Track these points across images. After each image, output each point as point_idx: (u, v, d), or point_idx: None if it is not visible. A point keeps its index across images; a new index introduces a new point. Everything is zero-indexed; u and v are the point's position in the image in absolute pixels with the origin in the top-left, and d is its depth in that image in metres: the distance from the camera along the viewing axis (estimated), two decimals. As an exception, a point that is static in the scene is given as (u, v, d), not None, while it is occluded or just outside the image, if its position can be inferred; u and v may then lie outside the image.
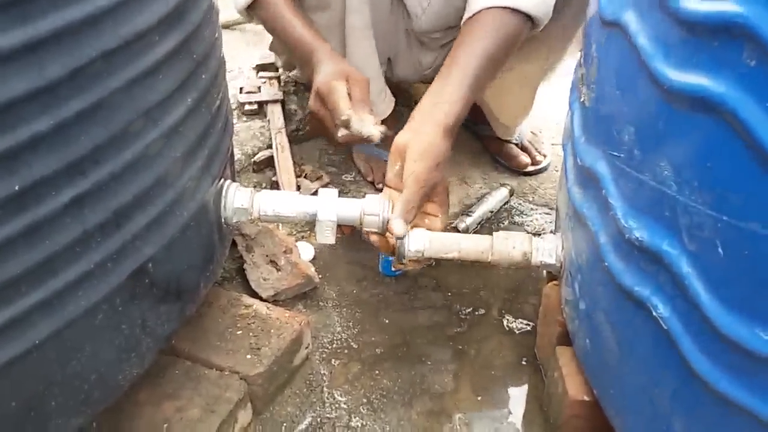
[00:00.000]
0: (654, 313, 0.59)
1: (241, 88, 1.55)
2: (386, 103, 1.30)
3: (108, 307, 0.65)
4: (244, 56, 1.78)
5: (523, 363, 1.03)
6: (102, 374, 0.68)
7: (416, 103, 1.01)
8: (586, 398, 0.80)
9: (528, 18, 1.03)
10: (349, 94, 1.01)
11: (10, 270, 0.55)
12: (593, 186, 0.69)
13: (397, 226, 0.89)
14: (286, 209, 0.91)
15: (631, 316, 0.64)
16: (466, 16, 1.05)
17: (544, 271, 1.14)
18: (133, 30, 0.61)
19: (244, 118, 1.53)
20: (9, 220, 0.53)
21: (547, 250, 0.86)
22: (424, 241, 0.90)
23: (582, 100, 0.74)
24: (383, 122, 1.27)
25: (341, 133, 1.01)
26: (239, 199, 0.88)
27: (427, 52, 1.33)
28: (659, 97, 0.56)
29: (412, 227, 0.92)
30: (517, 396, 0.98)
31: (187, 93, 0.72)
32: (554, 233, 0.90)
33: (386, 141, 1.03)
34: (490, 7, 1.01)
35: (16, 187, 0.53)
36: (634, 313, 0.63)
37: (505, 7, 1.00)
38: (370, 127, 0.99)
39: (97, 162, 0.60)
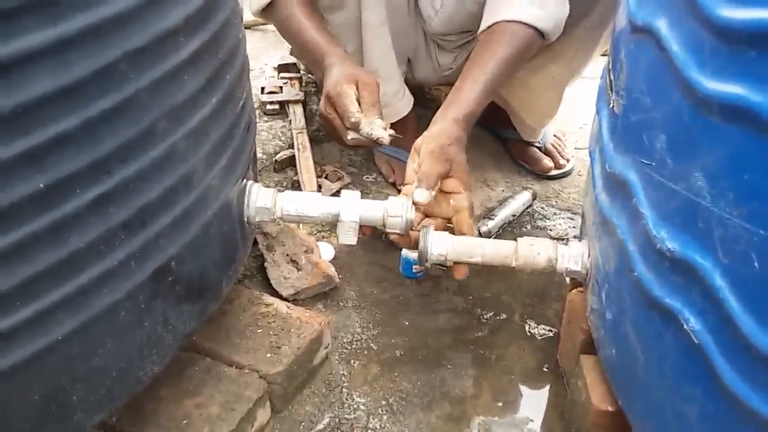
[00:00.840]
0: (685, 326, 0.58)
1: (262, 88, 1.56)
2: (404, 102, 1.30)
3: (131, 305, 0.65)
4: (265, 57, 1.78)
5: (545, 369, 1.01)
6: (123, 370, 0.68)
7: (438, 107, 1.05)
8: (609, 408, 0.78)
9: (539, 32, 1.10)
10: (358, 100, 1.02)
11: (35, 266, 0.55)
12: (623, 194, 0.67)
13: (419, 194, 0.92)
14: (309, 209, 0.91)
15: (660, 328, 0.62)
16: (482, 27, 1.12)
17: (568, 277, 1.13)
18: (159, 30, 0.61)
19: (266, 118, 1.53)
20: (35, 218, 0.54)
21: (573, 257, 0.85)
22: (447, 245, 0.89)
23: (611, 106, 0.72)
24: (401, 121, 1.28)
25: (351, 136, 1.02)
26: (262, 198, 0.87)
27: (444, 53, 1.32)
28: (693, 106, 0.55)
29: (439, 223, 0.94)
30: (538, 403, 0.97)
31: (212, 93, 0.72)
32: (579, 239, 0.89)
33: (408, 144, 1.03)
34: (505, 21, 1.08)
35: (42, 185, 0.53)
36: (664, 325, 0.62)
37: (518, 21, 1.08)
38: (379, 129, 0.99)
39: (123, 161, 0.60)
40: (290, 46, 1.51)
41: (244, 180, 0.85)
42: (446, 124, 1.01)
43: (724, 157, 0.52)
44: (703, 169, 0.54)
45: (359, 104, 1.01)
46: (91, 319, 0.61)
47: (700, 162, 0.55)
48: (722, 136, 0.52)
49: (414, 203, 0.93)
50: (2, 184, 0.51)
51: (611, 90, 0.72)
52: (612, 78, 0.72)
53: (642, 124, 0.63)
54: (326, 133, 1.13)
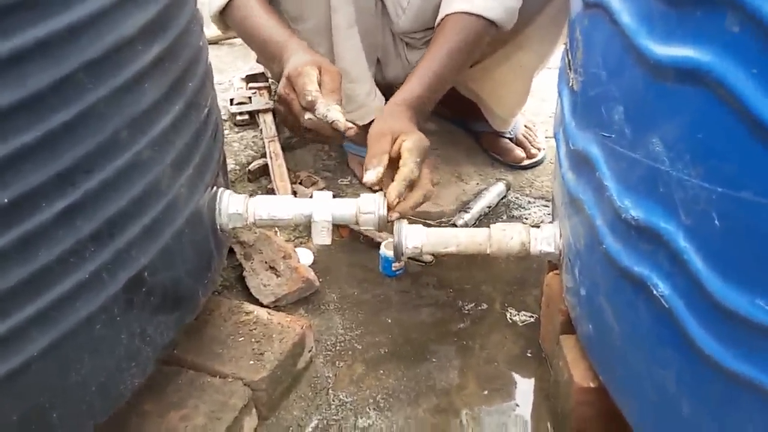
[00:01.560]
0: (654, 292, 0.59)
1: (231, 100, 1.55)
2: (375, 102, 1.30)
3: (105, 317, 0.65)
4: (233, 70, 1.78)
5: (528, 355, 1.02)
6: (103, 384, 0.67)
7: None
8: (592, 384, 0.79)
9: (490, 22, 1.12)
10: (319, 83, 0.99)
11: (4, 283, 0.55)
12: (587, 169, 0.68)
13: (367, 175, 0.95)
14: (282, 212, 0.91)
15: (631, 297, 0.63)
16: (437, 20, 1.15)
17: (546, 263, 1.14)
18: (115, 39, 0.61)
19: (237, 129, 1.53)
20: (1, 233, 0.53)
21: (545, 239, 0.85)
22: (422, 237, 0.90)
23: (570, 85, 0.73)
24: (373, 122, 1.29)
25: (307, 116, 0.98)
26: (234, 204, 0.87)
27: (413, 50, 1.34)
28: (646, 74, 0.56)
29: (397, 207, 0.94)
30: (524, 388, 0.98)
31: (174, 101, 0.72)
32: (552, 222, 0.90)
33: None
34: (456, 12, 1.12)
35: (6, 200, 0.53)
36: (635, 294, 0.62)
37: (468, 12, 1.11)
38: (336, 112, 0.95)
39: (87, 172, 0.59)
40: (257, 56, 1.51)
41: (215, 187, 0.85)
42: (387, 108, 1.06)
43: (679, 120, 0.53)
44: (661, 135, 0.55)
45: (319, 88, 0.98)
46: (65, 334, 0.61)
47: (657, 128, 0.56)
48: (676, 99, 0.53)
49: (366, 184, 0.95)
50: (-36, 201, 0.50)
51: (570, 69, 0.73)
52: (570, 57, 0.74)
53: (600, 97, 0.64)
54: (280, 120, 1.06)
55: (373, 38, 1.28)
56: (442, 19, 1.14)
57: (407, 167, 0.93)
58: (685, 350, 0.58)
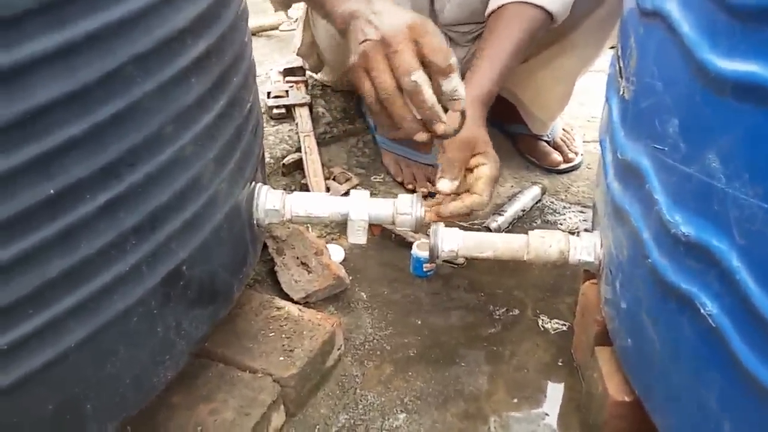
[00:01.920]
0: (702, 311, 0.57)
1: (268, 93, 1.55)
2: None
3: (143, 310, 0.65)
4: (270, 62, 1.78)
5: (560, 364, 1.01)
6: (137, 377, 0.67)
7: None
8: (627, 399, 0.78)
9: (547, 13, 1.09)
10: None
11: (46, 274, 0.55)
12: (635, 181, 0.67)
13: (443, 184, 0.93)
14: (318, 210, 0.90)
15: (676, 314, 0.62)
16: (489, 9, 1.11)
17: (581, 270, 1.12)
18: (165, 33, 0.61)
19: (273, 122, 1.53)
20: (45, 224, 0.53)
21: (585, 248, 0.84)
22: (458, 241, 0.89)
23: (621, 93, 0.72)
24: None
25: (417, 78, 0.78)
26: (271, 200, 0.87)
27: (457, 47, 1.32)
28: (705, 87, 0.54)
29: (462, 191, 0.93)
30: (554, 397, 0.96)
31: (219, 96, 0.72)
32: (591, 231, 0.88)
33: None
34: (513, 2, 1.08)
35: (52, 191, 0.53)
36: (680, 311, 0.61)
37: (527, 2, 1.07)
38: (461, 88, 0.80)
39: (131, 165, 0.59)
40: (297, 47, 1.50)
41: (253, 183, 0.85)
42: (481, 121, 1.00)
43: (739, 137, 0.51)
44: (717, 151, 0.53)
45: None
46: (103, 326, 0.61)
47: (713, 143, 0.54)
48: (736, 115, 0.51)
49: (438, 192, 0.93)
50: (12, 192, 0.50)
51: (621, 77, 0.72)
52: (621, 65, 0.72)
53: (653, 108, 0.63)
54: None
55: None
56: (499, 8, 1.10)
57: (480, 198, 0.94)
58: (730, 371, 0.56)
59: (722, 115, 0.53)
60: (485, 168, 0.96)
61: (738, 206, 0.52)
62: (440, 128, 0.81)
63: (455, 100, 0.80)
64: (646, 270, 0.65)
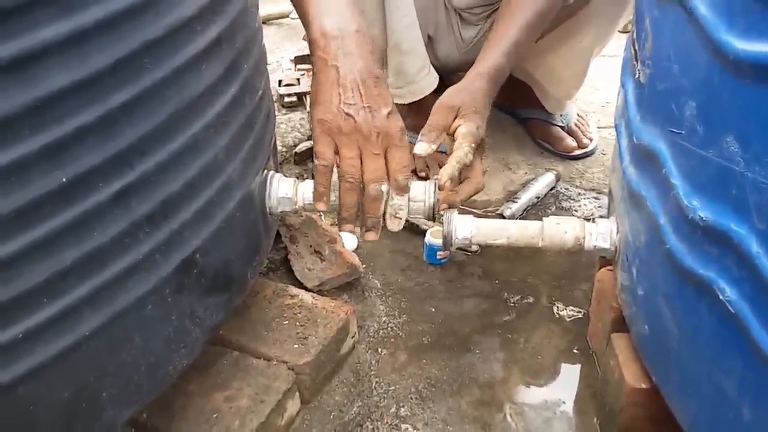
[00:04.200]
0: (720, 296, 0.56)
1: (280, 81, 1.55)
2: (429, 80, 1.28)
3: (157, 298, 0.65)
4: (281, 50, 1.78)
5: (575, 351, 1.00)
6: (152, 364, 0.68)
7: None
8: (643, 385, 0.77)
9: None
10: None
11: (60, 262, 0.55)
12: (652, 165, 0.66)
13: (418, 147, 0.93)
14: (331, 197, 0.89)
15: (694, 300, 0.61)
16: None
17: (596, 257, 1.11)
18: (175, 20, 0.60)
19: (284, 111, 1.53)
20: (58, 213, 0.53)
21: (601, 235, 0.83)
22: (472, 228, 0.88)
23: (637, 77, 0.71)
24: (422, 104, 1.27)
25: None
26: (283, 188, 0.87)
27: (467, 26, 1.31)
28: (723, 69, 0.53)
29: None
30: (569, 384, 0.96)
31: (231, 82, 0.71)
32: (607, 217, 0.87)
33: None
34: None
35: (63, 180, 0.53)
36: (698, 297, 0.60)
37: None
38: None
39: (143, 153, 0.59)
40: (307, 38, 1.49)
41: (265, 170, 0.85)
42: (466, 80, 1.00)
43: (758, 120, 0.50)
44: (736, 134, 0.52)
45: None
46: (117, 314, 0.61)
47: (732, 126, 0.53)
48: (755, 97, 0.50)
49: (414, 155, 0.92)
50: (25, 181, 0.50)
51: (636, 60, 0.70)
52: (636, 48, 0.71)
53: (670, 92, 0.62)
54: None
55: (426, 13, 1.25)
56: None
57: (462, 151, 0.92)
58: (749, 356, 0.56)
59: (741, 97, 0.52)
60: (462, 126, 0.95)
61: (757, 190, 0.51)
62: (372, 236, 0.86)
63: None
64: (663, 255, 0.64)
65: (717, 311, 0.58)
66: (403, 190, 0.83)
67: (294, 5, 0.85)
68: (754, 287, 0.54)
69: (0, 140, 0.48)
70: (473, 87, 0.99)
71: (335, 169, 0.82)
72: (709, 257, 0.58)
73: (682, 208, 0.60)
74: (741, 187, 0.53)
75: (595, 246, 0.83)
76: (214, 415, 0.81)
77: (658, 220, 0.64)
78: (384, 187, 0.82)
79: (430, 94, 1.30)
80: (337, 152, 0.81)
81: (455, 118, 0.96)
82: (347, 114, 0.79)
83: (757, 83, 0.50)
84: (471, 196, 0.95)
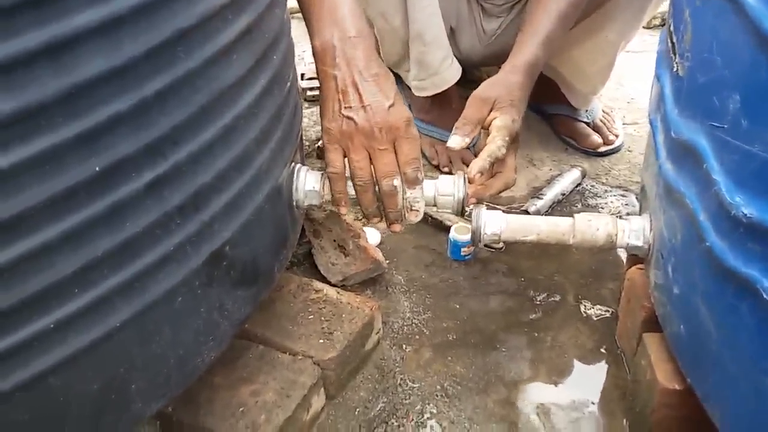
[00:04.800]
0: (763, 296, 0.55)
1: (302, 75, 1.54)
2: (452, 71, 1.27)
3: (187, 290, 0.64)
4: (304, 43, 1.76)
5: (602, 351, 0.99)
6: (181, 357, 0.67)
7: None
8: (677, 387, 0.75)
9: None
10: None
11: (92, 252, 0.54)
12: (691, 161, 0.64)
13: (452, 140, 0.93)
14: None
15: (735, 299, 0.59)
16: None
17: (623, 255, 1.10)
18: (207, 8, 0.59)
19: (307, 105, 1.52)
20: (91, 202, 0.53)
21: (634, 232, 0.81)
22: (501, 224, 0.87)
23: (675, 70, 0.69)
24: (445, 97, 1.26)
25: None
26: (310, 181, 0.86)
27: (489, 18, 1.29)
28: (771, 61, 0.52)
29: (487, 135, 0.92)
30: (597, 385, 0.94)
31: (261, 73, 0.70)
32: (639, 214, 0.86)
33: (451, 124, 0.99)
34: None
35: (97, 168, 0.52)
36: (739, 296, 0.59)
37: None
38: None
39: (175, 143, 0.59)
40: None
41: (293, 163, 0.84)
42: (502, 73, 0.99)
43: (809, 113, 0.49)
44: (784, 128, 0.51)
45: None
46: (148, 306, 0.61)
47: (780, 120, 0.51)
48: (806, 90, 0.49)
49: (449, 148, 0.92)
50: (58, 169, 0.50)
51: (674, 53, 0.69)
52: (674, 40, 0.69)
53: (711, 85, 0.60)
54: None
55: (448, 4, 1.24)
56: None
57: (495, 144, 0.90)
58: (794, 359, 0.54)
59: (791, 89, 0.50)
60: (498, 119, 0.94)
61: (807, 186, 0.50)
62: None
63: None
64: (702, 253, 0.63)
65: (759, 310, 0.57)
66: (414, 182, 0.83)
67: (303, 17, 0.86)
68: (800, 286, 0.52)
69: (34, 128, 0.48)
70: (509, 80, 0.97)
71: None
72: (753, 255, 0.56)
73: (724, 205, 0.58)
74: (789, 182, 0.51)
75: (627, 243, 0.82)
76: (240, 409, 0.81)
77: (698, 216, 0.63)
78: (397, 182, 0.82)
79: (453, 86, 1.29)
80: (347, 156, 0.82)
81: (490, 111, 0.94)
82: (347, 117, 0.80)
83: (809, 75, 0.48)
84: (500, 192, 0.94)
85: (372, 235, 1.17)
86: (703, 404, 0.69)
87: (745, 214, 0.56)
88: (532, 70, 0.99)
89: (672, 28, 0.72)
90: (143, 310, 0.60)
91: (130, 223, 0.56)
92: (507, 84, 0.97)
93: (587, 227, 0.83)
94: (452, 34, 1.30)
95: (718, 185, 0.59)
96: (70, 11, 0.48)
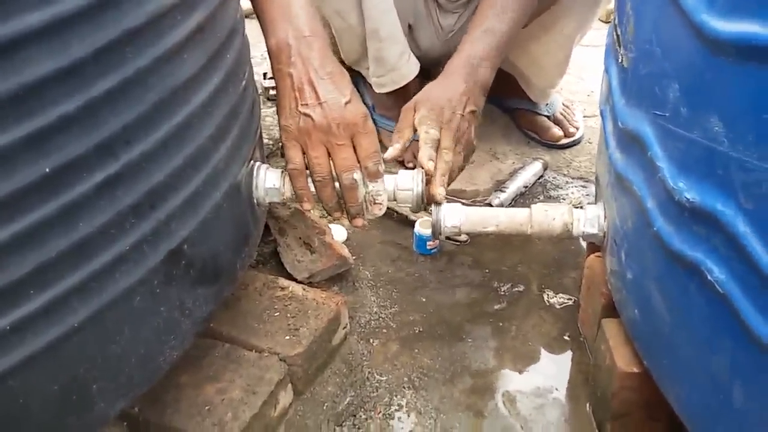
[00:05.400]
0: (709, 277, 0.57)
1: (264, 74, 1.54)
2: (410, 66, 1.28)
3: (145, 290, 0.64)
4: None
5: (566, 338, 1.00)
6: (142, 356, 0.67)
7: None
8: (635, 370, 0.77)
9: None
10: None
11: (46, 253, 0.54)
12: (637, 149, 0.66)
13: (388, 152, 0.93)
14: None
15: (683, 282, 0.61)
16: None
17: (584, 244, 1.12)
18: (156, 8, 0.60)
19: (269, 104, 1.52)
20: (42, 204, 0.53)
21: (589, 220, 0.83)
22: (461, 216, 0.88)
23: (620, 61, 0.71)
24: (405, 91, 1.27)
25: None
26: (270, 179, 0.86)
27: (446, 14, 1.31)
28: (704, 50, 0.53)
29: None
30: (561, 371, 0.96)
31: (214, 71, 0.71)
32: (595, 203, 0.88)
33: None
34: None
35: (47, 170, 0.52)
36: (687, 279, 0.60)
37: None
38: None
39: (127, 143, 0.59)
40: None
41: (252, 161, 0.84)
42: (437, 79, 0.99)
43: (741, 99, 0.50)
44: (720, 114, 0.53)
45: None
46: (106, 306, 0.61)
47: (716, 107, 0.53)
48: (737, 77, 0.50)
49: (386, 160, 0.91)
50: (6, 170, 0.50)
51: (619, 45, 0.71)
52: (619, 33, 0.71)
53: (653, 75, 0.62)
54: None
55: (405, 2, 1.25)
56: None
57: (422, 133, 0.93)
58: (740, 337, 0.56)
59: (723, 77, 0.52)
60: (416, 114, 0.95)
61: (743, 170, 0.51)
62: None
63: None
64: (651, 238, 0.64)
65: (706, 292, 0.58)
66: (375, 175, 0.84)
67: (258, 18, 0.87)
68: (743, 267, 0.54)
69: (-18, 129, 0.48)
70: (439, 83, 0.98)
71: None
72: (697, 238, 0.58)
73: (668, 191, 0.60)
74: (726, 167, 0.53)
75: (583, 232, 0.84)
76: (207, 408, 0.81)
77: (645, 203, 0.65)
78: (357, 176, 0.83)
79: (413, 81, 1.30)
80: (305, 153, 0.83)
81: (414, 113, 0.96)
82: (305, 114, 0.81)
83: (738, 63, 0.50)
84: (449, 170, 0.92)
85: (338, 232, 1.18)
86: (659, 387, 0.71)
87: (688, 199, 0.57)
88: (469, 64, 0.98)
89: (617, 21, 0.73)
90: (101, 309, 0.60)
91: (83, 223, 0.56)
92: (442, 83, 0.98)
93: (544, 217, 0.84)
94: (411, 31, 1.31)
95: (662, 172, 0.61)
96: (16, 12, 0.48)
